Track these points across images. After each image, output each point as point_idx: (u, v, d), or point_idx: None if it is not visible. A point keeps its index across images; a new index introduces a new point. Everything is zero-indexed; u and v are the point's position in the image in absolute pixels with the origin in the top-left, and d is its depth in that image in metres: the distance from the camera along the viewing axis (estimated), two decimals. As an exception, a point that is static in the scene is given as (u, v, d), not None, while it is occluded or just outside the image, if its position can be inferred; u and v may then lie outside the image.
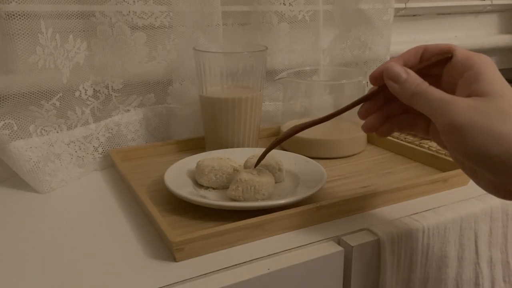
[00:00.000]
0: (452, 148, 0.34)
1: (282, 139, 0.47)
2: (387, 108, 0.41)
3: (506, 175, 0.31)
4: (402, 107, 0.41)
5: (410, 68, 0.37)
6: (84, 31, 0.60)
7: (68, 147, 0.59)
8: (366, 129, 0.42)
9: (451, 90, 0.35)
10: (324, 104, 0.69)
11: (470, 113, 0.32)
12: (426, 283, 0.46)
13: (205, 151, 0.60)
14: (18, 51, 0.51)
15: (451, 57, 0.37)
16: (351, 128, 0.67)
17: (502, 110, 0.31)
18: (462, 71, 0.35)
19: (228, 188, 0.51)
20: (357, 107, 0.42)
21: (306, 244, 0.41)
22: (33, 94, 0.54)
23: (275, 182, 0.52)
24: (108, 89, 0.64)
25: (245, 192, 0.47)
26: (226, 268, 0.38)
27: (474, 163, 0.33)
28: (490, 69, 0.34)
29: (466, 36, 1.17)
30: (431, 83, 0.35)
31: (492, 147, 0.31)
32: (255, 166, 0.50)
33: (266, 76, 0.65)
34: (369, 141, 0.69)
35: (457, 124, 0.32)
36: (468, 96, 0.33)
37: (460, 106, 0.32)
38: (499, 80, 0.33)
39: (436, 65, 0.38)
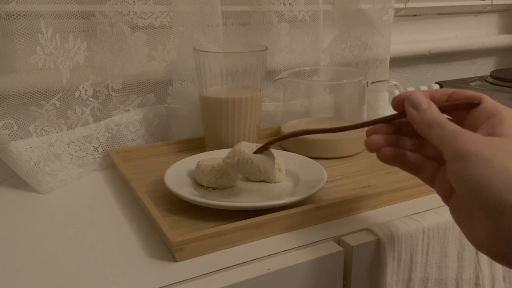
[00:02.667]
0: (455, 179, 0.31)
1: (290, 136, 0.46)
2: (398, 138, 0.40)
3: (504, 217, 0.28)
4: (413, 144, 0.40)
5: (435, 104, 0.37)
6: (84, 31, 0.60)
7: (68, 147, 0.59)
8: (368, 144, 0.40)
9: None
10: (324, 104, 0.69)
11: (482, 145, 0.30)
12: (426, 283, 0.46)
13: (205, 151, 0.60)
14: (18, 51, 0.51)
15: (478, 104, 0.36)
16: (351, 128, 0.67)
17: None
18: (486, 118, 0.34)
19: (228, 188, 0.51)
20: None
21: (306, 244, 0.41)
22: (33, 94, 0.54)
23: (275, 182, 0.53)
24: (108, 89, 0.64)
25: (240, 164, 0.46)
26: (226, 268, 0.38)
27: (473, 198, 0.30)
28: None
29: (466, 36, 1.17)
30: None
31: (495, 182, 0.29)
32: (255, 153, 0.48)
33: (266, 76, 0.65)
34: (369, 141, 0.69)
35: (465, 152, 0.30)
36: (488, 135, 0.32)
37: (473, 137, 0.31)
38: None
39: (462, 108, 0.37)
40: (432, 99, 0.37)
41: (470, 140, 0.31)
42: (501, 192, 0.28)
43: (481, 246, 0.32)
